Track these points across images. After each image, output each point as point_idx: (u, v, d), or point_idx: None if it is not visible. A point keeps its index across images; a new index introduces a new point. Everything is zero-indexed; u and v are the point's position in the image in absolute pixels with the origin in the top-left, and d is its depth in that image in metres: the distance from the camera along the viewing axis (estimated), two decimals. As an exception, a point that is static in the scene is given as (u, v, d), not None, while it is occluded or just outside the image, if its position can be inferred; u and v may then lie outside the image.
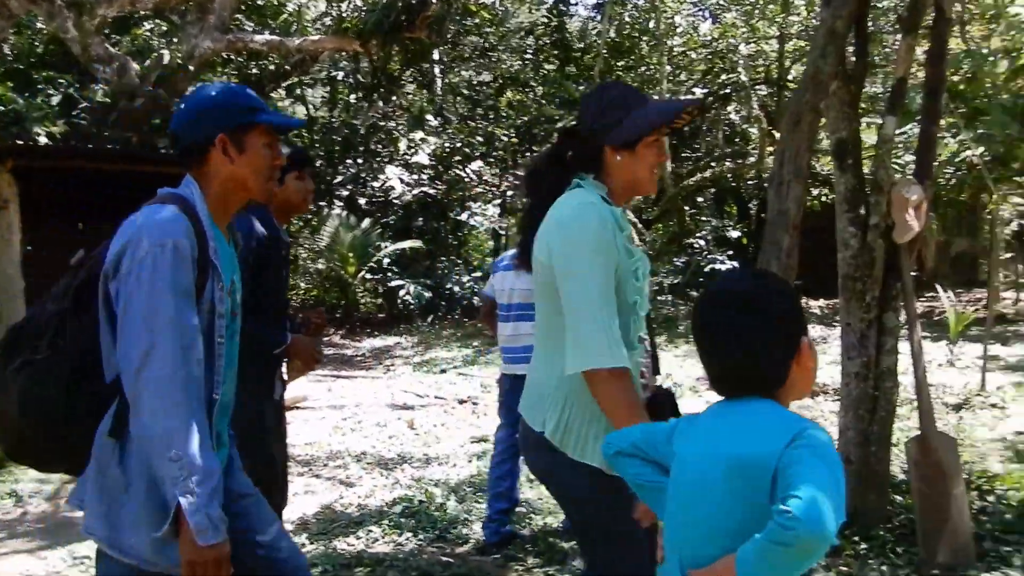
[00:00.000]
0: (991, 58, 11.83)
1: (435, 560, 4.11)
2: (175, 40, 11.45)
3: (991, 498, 4.52)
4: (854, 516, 4.13)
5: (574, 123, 2.31)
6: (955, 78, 11.34)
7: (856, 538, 3.97)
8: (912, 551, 3.83)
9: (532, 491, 4.96)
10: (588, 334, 2.04)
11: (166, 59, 11.53)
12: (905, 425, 5.84)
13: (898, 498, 4.38)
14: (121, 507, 1.93)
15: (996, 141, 11.81)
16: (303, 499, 5.19)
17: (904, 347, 4.17)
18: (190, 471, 1.83)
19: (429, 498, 4.96)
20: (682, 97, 3.18)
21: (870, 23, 5.09)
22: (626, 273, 2.16)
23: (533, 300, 4.29)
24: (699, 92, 17.08)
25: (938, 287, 10.46)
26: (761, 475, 1.48)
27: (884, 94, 12.79)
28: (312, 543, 4.38)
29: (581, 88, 15.37)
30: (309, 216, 17.09)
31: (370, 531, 4.49)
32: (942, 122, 8.25)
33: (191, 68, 11.32)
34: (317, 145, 16.04)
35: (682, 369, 8.63)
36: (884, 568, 3.74)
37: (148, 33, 14.70)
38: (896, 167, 9.81)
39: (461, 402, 8.10)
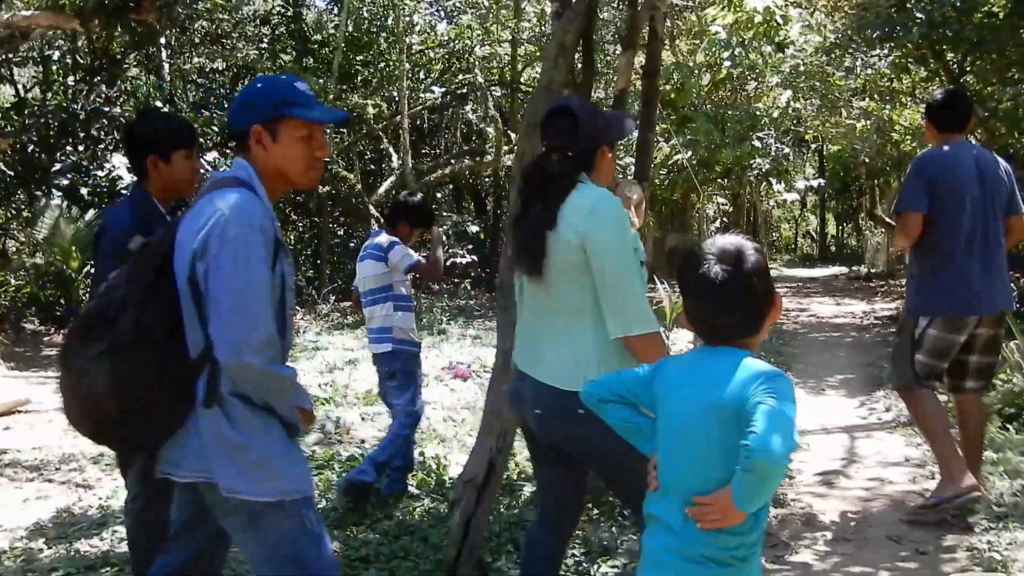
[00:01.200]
0: (696, 71, 13.16)
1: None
2: None
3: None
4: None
5: (566, 129, 2.67)
6: (667, 87, 12.50)
7: (590, 504, 4.39)
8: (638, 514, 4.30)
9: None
10: (631, 303, 2.48)
11: None
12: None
13: (623, 466, 4.88)
14: (248, 462, 2.17)
15: (701, 146, 13.17)
16: (35, 504, 4.89)
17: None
18: (294, 388, 2.26)
19: (177, 496, 4.85)
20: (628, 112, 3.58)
21: (596, 36, 5.59)
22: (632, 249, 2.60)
23: (380, 284, 4.61)
24: (437, 90, 17.51)
25: (655, 278, 11.49)
26: (734, 417, 1.84)
27: (608, 100, 13.83)
28: (50, 547, 4.16)
29: (321, 81, 15.24)
30: (22, 207, 15.68)
31: (115, 531, 4.32)
32: (656, 128, 9.08)
33: None
34: (29, 129, 14.75)
35: (427, 360, 8.87)
36: (614, 529, 4.17)
37: None
38: (618, 168, 10.67)
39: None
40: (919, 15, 9.16)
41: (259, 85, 2.38)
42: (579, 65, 4.75)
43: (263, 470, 2.18)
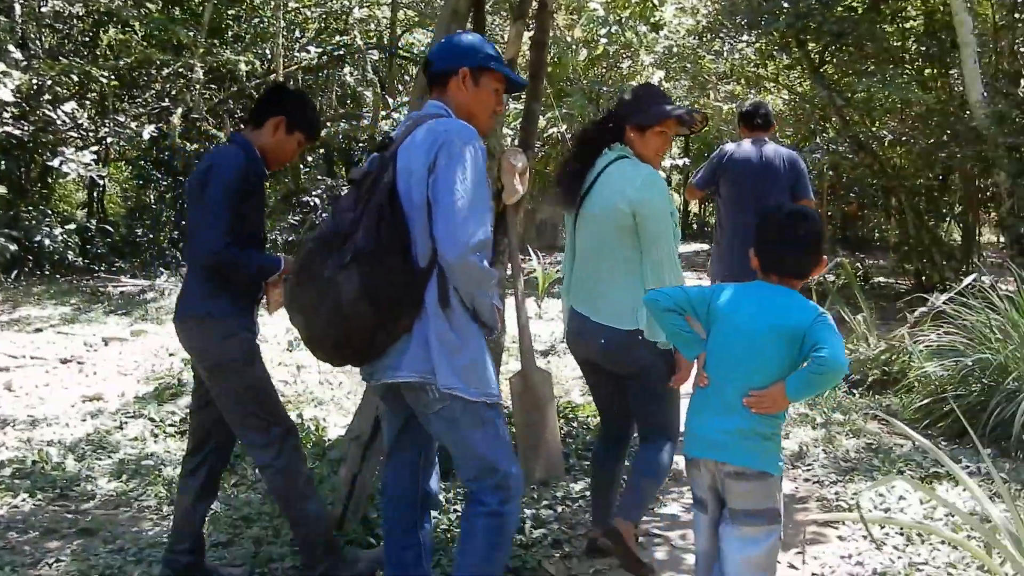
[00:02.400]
0: (573, 47, 13.34)
1: (60, 517, 3.97)
2: None
3: (575, 424, 5.35)
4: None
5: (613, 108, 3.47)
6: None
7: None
8: (514, 470, 4.45)
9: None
10: (667, 264, 3.13)
11: None
12: (507, 369, 6.58)
13: (502, 427, 5.01)
14: (461, 362, 2.53)
15: (577, 121, 13.37)
16: None
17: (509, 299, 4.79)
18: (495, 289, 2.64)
19: (43, 458, 4.69)
20: (690, 107, 3.91)
21: (488, 6, 5.63)
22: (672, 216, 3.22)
23: None
24: (313, 51, 17.12)
25: (529, 249, 11.69)
26: (797, 336, 2.48)
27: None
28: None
29: (191, 34, 14.66)
30: None
31: (-19, 493, 4.18)
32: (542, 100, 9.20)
33: None
34: None
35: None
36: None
37: None
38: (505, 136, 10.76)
39: (64, 362, 7.54)
40: (785, 5, 9.60)
41: (467, 37, 2.82)
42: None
43: (473, 372, 2.55)
